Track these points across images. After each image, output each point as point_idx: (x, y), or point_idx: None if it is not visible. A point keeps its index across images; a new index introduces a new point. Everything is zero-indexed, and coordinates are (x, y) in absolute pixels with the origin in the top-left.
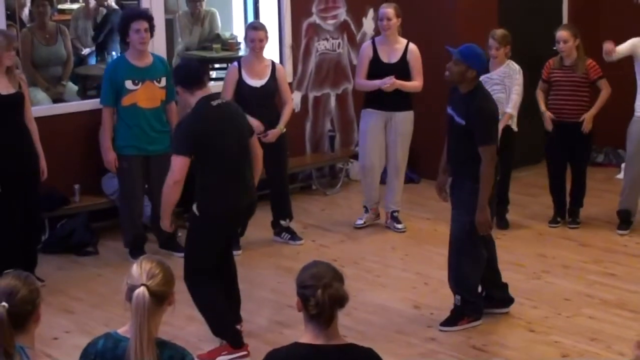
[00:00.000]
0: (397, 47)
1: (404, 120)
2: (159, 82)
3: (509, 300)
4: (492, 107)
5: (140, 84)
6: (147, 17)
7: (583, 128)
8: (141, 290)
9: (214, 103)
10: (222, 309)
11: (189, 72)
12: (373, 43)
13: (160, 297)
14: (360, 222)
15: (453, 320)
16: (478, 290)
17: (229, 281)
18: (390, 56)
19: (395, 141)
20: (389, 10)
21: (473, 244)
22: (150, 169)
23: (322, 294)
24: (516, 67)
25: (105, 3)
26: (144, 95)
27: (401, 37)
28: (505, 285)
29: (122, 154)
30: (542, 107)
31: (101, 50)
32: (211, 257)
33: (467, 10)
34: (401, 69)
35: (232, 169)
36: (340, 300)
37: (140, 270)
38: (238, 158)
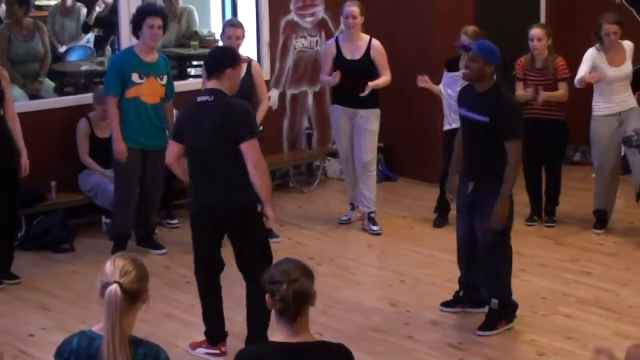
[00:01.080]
0: (360, 44)
1: (369, 117)
2: (162, 79)
3: (487, 301)
4: (518, 101)
5: (145, 78)
6: (163, 14)
7: (536, 98)
8: (113, 287)
9: (199, 99)
10: (207, 304)
11: (209, 58)
12: (336, 40)
13: (133, 295)
14: (345, 218)
15: (492, 324)
16: (511, 290)
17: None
18: (353, 53)
19: (360, 139)
20: (354, 8)
21: (505, 246)
22: (145, 163)
23: (286, 289)
24: None
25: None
26: (148, 90)
27: (364, 34)
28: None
29: None
30: (528, 94)
31: (103, 42)
32: (199, 251)
33: (443, 10)
34: (365, 65)
35: (204, 166)
36: (304, 296)
37: (113, 267)
38: (210, 156)
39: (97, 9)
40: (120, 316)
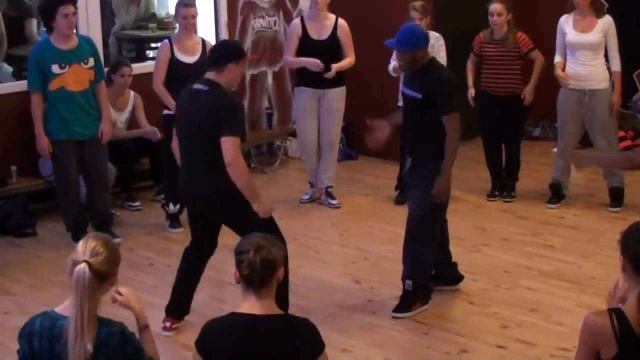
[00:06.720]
0: (327, 24)
1: (337, 96)
2: (86, 63)
3: (459, 278)
4: (450, 76)
5: (67, 67)
6: (74, 0)
7: (525, 101)
8: (82, 266)
9: (195, 86)
10: (176, 279)
11: (213, 50)
12: (302, 20)
13: (101, 276)
14: (306, 197)
15: (406, 305)
16: (431, 274)
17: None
18: (320, 33)
19: (328, 117)
20: None
21: (433, 225)
22: (84, 153)
23: (254, 255)
24: (436, 34)
25: None
26: (72, 78)
27: (330, 13)
28: (455, 264)
29: (53, 139)
30: (470, 81)
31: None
32: (191, 231)
33: None
34: (331, 45)
35: (185, 152)
36: (271, 262)
37: (85, 247)
38: (196, 144)
39: None
40: (88, 295)
